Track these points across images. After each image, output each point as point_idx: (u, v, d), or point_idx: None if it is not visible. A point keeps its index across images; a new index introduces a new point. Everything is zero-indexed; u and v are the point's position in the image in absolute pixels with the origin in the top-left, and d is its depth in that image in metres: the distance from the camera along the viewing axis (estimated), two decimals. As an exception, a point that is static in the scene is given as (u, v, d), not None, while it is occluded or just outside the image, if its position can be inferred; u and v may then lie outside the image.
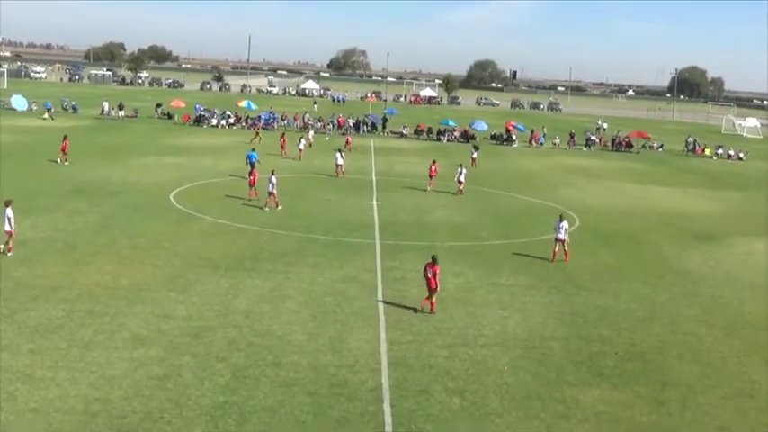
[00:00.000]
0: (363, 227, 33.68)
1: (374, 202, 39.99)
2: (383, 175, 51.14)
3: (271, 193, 35.89)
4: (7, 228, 25.06)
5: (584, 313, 23.21)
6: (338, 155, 49.09)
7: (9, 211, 25.12)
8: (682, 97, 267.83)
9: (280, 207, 35.94)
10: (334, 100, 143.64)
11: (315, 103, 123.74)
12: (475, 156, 59.15)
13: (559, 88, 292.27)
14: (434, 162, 47.04)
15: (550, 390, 17.42)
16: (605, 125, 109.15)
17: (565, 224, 29.40)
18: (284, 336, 19.62)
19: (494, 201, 43.43)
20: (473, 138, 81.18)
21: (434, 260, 22.36)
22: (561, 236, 29.19)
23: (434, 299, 22.21)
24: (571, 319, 22.53)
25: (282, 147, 58.52)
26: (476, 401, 16.54)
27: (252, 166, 43.44)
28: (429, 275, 22.11)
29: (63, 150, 47.68)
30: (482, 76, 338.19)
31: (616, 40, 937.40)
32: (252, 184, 37.94)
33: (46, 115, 76.94)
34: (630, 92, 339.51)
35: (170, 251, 27.40)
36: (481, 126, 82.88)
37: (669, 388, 18.01)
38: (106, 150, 53.26)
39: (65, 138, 48.94)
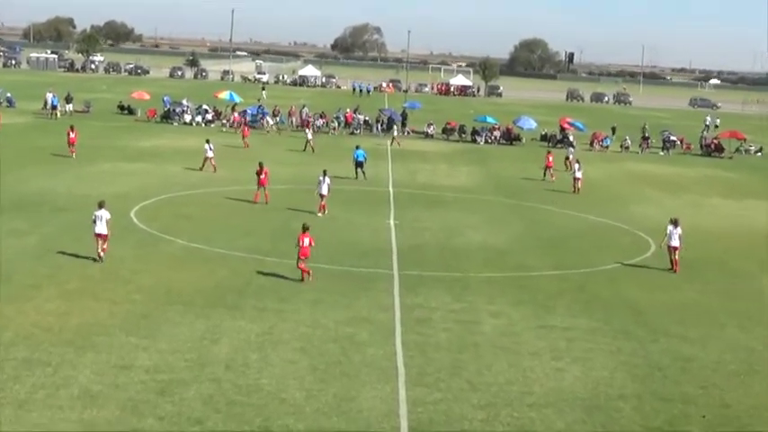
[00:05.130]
0: (377, 253, 33.70)
1: (391, 222, 40.04)
2: (403, 186, 51.22)
3: (323, 196, 40.30)
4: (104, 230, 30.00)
5: (661, 365, 23.09)
6: (207, 146, 52.14)
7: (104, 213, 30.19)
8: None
9: (323, 214, 40.01)
10: (355, 90, 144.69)
11: (263, 89, 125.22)
12: (571, 157, 62.73)
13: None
14: (549, 152, 58.58)
15: (619, 464, 17.29)
16: (717, 121, 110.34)
17: (679, 230, 33.06)
18: (276, 392, 19.62)
19: (543, 219, 43.39)
20: (518, 139, 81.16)
21: (306, 229, 28.88)
22: (675, 242, 33.01)
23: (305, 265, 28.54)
24: (645, 373, 22.41)
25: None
26: (522, 479, 16.45)
27: (359, 165, 51.17)
28: (305, 244, 28.51)
29: (72, 143, 54.37)
30: (530, 60, 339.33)
31: (701, 15, 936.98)
32: (261, 184, 42.16)
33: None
34: (714, 80, 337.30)
35: (130, 283, 27.49)
36: (529, 124, 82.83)
37: (773, 462, 17.84)
38: (50, 155, 53.58)
39: (72, 128, 55.33)
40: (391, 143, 72.18)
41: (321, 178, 40.65)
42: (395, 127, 77.53)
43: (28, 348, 21.40)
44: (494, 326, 25.33)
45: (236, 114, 79.64)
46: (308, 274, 28.64)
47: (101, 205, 30.34)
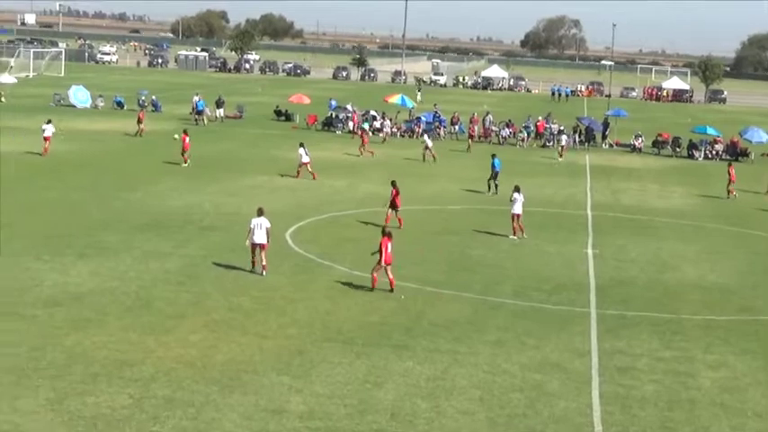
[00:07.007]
0: (572, 287, 33.40)
1: (589, 251, 39.63)
2: (604, 208, 50.60)
3: (516, 216, 41.04)
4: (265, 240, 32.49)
5: None
6: (302, 150, 54.16)
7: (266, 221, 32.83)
8: None
9: (524, 235, 41.06)
10: (554, 94, 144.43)
11: (419, 90, 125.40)
12: None
13: None
14: (731, 164, 58.83)
15: None
16: None
17: None
18: (449, 449, 19.63)
19: (777, 252, 42.15)
20: (745, 154, 78.98)
21: (389, 234, 31.60)
22: None
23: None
24: None
25: None
26: None
27: (494, 176, 52.19)
28: (389, 250, 30.95)
29: (185, 149, 56.28)
30: (761, 59, 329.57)
31: None
32: (396, 206, 41.48)
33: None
34: None
35: (284, 315, 28.05)
36: (759, 136, 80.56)
37: None
38: (197, 167, 55.22)
39: (185, 133, 57.44)
40: (560, 156, 71.50)
41: (515, 195, 40.90)
42: (564, 138, 76.60)
43: (169, 385, 22.07)
44: (712, 379, 24.71)
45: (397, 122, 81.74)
46: (375, 282, 31.38)
47: (260, 212, 32.79)
